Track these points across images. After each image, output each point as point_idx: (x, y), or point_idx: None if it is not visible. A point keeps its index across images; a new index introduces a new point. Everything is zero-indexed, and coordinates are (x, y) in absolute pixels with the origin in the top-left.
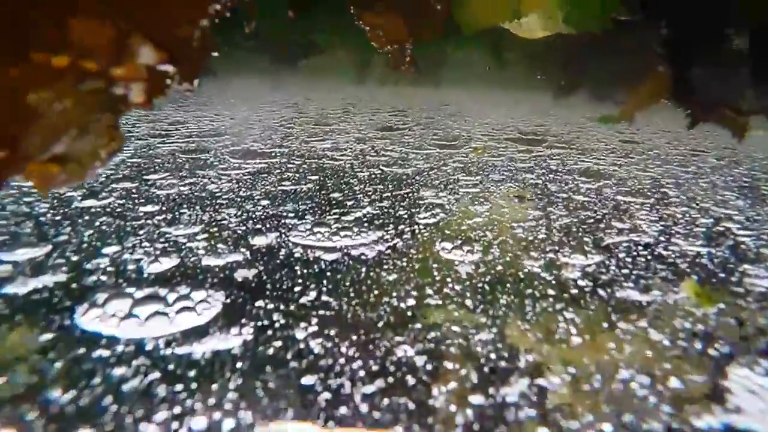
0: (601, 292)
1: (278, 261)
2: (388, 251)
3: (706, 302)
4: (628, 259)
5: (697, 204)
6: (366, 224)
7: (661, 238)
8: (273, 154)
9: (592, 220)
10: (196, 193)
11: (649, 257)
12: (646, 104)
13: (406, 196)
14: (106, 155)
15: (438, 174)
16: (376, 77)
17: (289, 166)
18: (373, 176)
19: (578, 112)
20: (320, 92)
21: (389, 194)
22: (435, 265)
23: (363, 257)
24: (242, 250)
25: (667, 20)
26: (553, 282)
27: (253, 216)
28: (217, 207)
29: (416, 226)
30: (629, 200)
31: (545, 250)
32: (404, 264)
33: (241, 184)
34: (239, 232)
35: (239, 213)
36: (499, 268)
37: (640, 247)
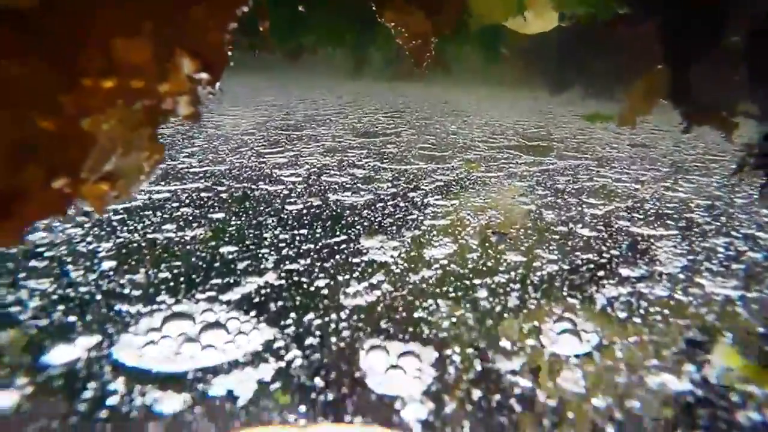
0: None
1: (77, 414)
2: (279, 383)
3: (760, 379)
4: (637, 320)
5: (738, 231)
6: (253, 313)
7: (681, 276)
8: (201, 174)
9: (591, 267)
10: (1, 251)
11: (665, 312)
12: (646, 107)
13: (336, 248)
14: (149, 168)
15: (401, 205)
16: (374, 74)
17: (202, 194)
18: (306, 212)
19: (577, 109)
20: (320, 89)
21: (312, 246)
22: (361, 418)
23: (230, 404)
24: (21, 381)
25: (666, 18)
26: (561, 416)
27: (72, 296)
28: (21, 276)
29: (335, 315)
30: (648, 232)
31: (520, 332)
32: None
33: (97, 230)
34: (30, 335)
35: (51, 289)
36: (477, 394)
37: (644, 302)
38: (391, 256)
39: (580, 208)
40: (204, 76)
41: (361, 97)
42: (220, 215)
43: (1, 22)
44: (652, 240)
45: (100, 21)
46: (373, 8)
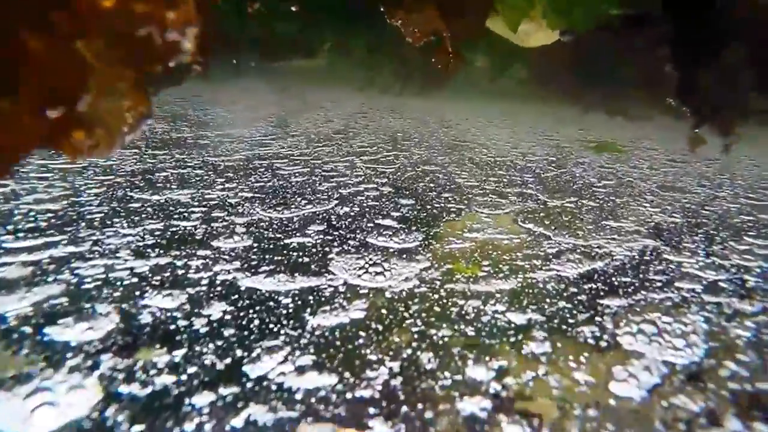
0: None
1: None
2: None
3: None
4: None
5: None
6: None
7: None
8: None
9: None
10: None
11: None
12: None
13: None
14: (134, 120)
15: (222, 393)
16: (378, 88)
17: None
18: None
19: (584, 127)
20: (321, 107)
21: None
22: None
23: None
24: None
25: (674, 21)
26: None
27: None
28: None
29: None
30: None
31: None
32: None
33: None
34: None
35: None
36: None
37: None
38: None
39: (609, 361)
40: (193, 30)
41: (353, 122)
42: None
43: None
44: None
45: None
46: (382, 9)
